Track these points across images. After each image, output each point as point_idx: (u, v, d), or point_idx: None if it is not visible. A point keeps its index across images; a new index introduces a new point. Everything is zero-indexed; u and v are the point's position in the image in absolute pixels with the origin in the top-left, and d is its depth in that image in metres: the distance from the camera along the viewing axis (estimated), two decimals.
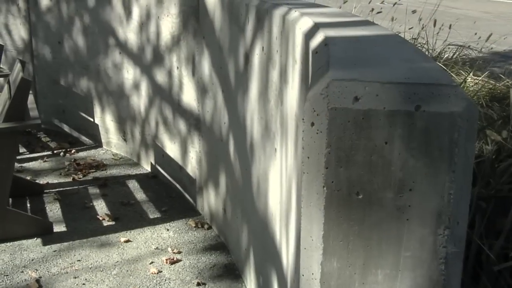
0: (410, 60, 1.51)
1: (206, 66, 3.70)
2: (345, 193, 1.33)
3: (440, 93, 1.29)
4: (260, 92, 2.83)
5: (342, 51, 1.61)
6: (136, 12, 4.54)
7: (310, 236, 1.37)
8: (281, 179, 2.50)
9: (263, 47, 2.78)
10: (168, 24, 4.15)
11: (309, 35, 2.01)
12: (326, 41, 1.75)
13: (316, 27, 2.06)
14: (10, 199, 4.19)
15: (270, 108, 2.70)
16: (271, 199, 2.71)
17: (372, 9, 6.30)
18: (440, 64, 5.58)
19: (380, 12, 6.16)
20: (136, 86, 4.71)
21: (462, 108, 1.29)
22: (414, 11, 6.65)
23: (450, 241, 1.34)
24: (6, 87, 4.15)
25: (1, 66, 5.09)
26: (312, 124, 1.33)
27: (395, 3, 6.61)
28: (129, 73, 4.75)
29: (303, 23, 2.22)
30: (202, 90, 3.80)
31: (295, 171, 2.18)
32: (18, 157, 5.04)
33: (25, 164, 4.95)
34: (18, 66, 4.04)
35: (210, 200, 3.89)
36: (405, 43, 1.77)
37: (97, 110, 5.25)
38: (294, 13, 2.43)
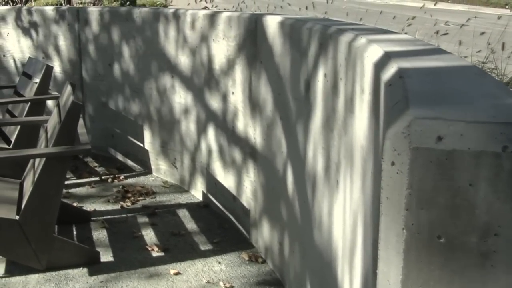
0: (492, 95, 1.52)
1: (263, 92, 3.74)
2: (426, 237, 1.34)
3: None
4: (322, 121, 2.85)
5: (418, 85, 1.62)
6: (190, 34, 4.62)
7: (387, 280, 1.38)
8: (345, 214, 2.51)
9: (325, 74, 2.80)
10: (223, 47, 4.21)
11: (380, 65, 2.02)
12: (400, 73, 1.76)
13: (387, 57, 2.07)
14: (56, 226, 4.28)
15: (332, 138, 2.71)
16: (332, 234, 2.71)
17: (437, 32, 6.28)
18: None
19: (446, 34, 6.14)
20: (188, 110, 4.77)
21: None
22: (482, 33, 6.60)
23: None
24: (55, 110, 4.25)
25: (50, 88, 5.22)
26: (393, 163, 1.34)
27: (462, 25, 6.57)
28: (181, 97, 4.82)
29: (372, 52, 2.24)
30: (258, 117, 3.84)
31: (361, 206, 2.18)
32: (65, 183, 5.15)
33: (72, 190, 5.05)
34: (68, 88, 4.14)
35: (265, 233, 3.90)
36: (485, 76, 1.77)
37: (147, 135, 5.34)
38: (361, 40, 2.45)
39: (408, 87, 1.57)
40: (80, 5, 15.71)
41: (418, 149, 1.31)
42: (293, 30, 3.27)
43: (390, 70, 1.87)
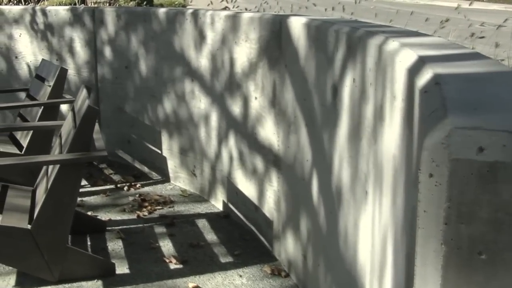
0: None
1: (288, 97, 3.74)
2: (466, 252, 1.33)
3: None
4: (350, 128, 2.84)
5: (456, 92, 1.61)
6: (210, 36, 4.63)
7: None
8: (373, 226, 2.49)
9: (354, 79, 2.80)
10: (246, 50, 4.22)
11: (414, 70, 2.01)
12: (437, 79, 1.75)
13: (421, 61, 2.06)
14: (70, 236, 4.30)
15: (361, 146, 2.70)
16: (360, 248, 2.70)
17: (473, 34, 6.24)
18: None
19: (483, 37, 6.10)
20: (209, 116, 4.78)
21: None
22: None
23: None
24: (70, 115, 4.28)
25: (64, 91, 5.26)
26: (431, 175, 1.33)
27: (499, 25, 6.53)
28: (201, 102, 4.84)
29: (404, 56, 2.23)
30: (282, 123, 3.84)
31: (392, 219, 2.17)
32: (79, 191, 5.18)
33: (86, 198, 5.08)
34: (83, 92, 4.16)
35: (289, 245, 3.90)
36: None
37: (165, 141, 5.36)
38: (393, 43, 2.44)
39: (445, 94, 1.56)
40: (95, 5, 15.82)
41: (458, 161, 1.30)
42: (319, 32, 3.27)
43: (425, 76, 1.86)
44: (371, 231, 2.52)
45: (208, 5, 9.54)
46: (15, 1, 14.00)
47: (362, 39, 2.72)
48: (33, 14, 6.26)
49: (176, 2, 19.08)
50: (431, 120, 1.46)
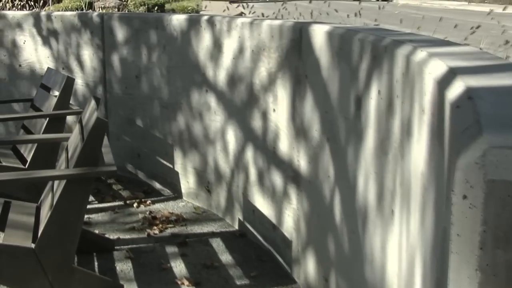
0: None
1: (308, 110, 3.74)
2: (503, 279, 1.33)
3: None
4: (375, 143, 2.84)
5: (491, 107, 1.61)
6: (227, 44, 4.65)
7: None
8: (401, 248, 2.48)
9: (379, 91, 2.80)
10: (264, 59, 4.23)
11: (444, 83, 2.01)
12: (470, 93, 1.74)
13: (451, 73, 2.06)
14: (76, 256, 4.31)
15: (387, 162, 2.70)
16: (386, 271, 2.69)
17: (507, 41, 6.20)
18: None
19: None
20: (225, 129, 4.79)
21: None
22: None
23: None
24: (77, 127, 4.29)
25: (71, 102, 5.28)
26: (465, 197, 1.33)
27: None
28: (217, 114, 4.85)
29: (434, 67, 2.23)
30: (302, 138, 3.84)
31: (420, 241, 2.16)
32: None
33: (93, 216, 5.09)
34: (92, 103, 4.17)
35: (309, 267, 3.89)
36: None
37: (177, 155, 5.37)
38: (421, 53, 2.44)
39: (479, 110, 1.56)
40: (103, 10, 15.89)
41: (494, 182, 1.30)
42: (342, 41, 3.28)
43: (457, 90, 1.86)
44: (398, 253, 2.51)
45: (224, 11, 9.57)
46: (19, 6, 14.11)
47: (389, 48, 2.72)
48: (38, 20, 6.30)
49: (189, 8, 19.16)
50: (464, 137, 1.46)
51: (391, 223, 2.61)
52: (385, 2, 12.19)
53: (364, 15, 9.24)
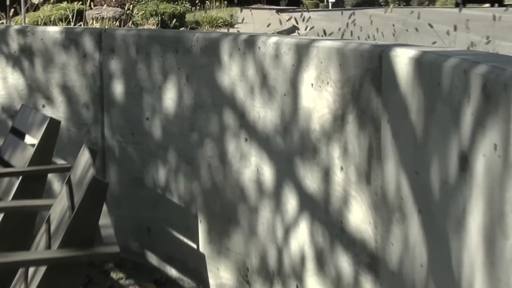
0: None
1: (391, 169, 3.74)
2: None
3: None
4: (488, 220, 2.83)
5: None
6: (275, 75, 4.65)
7: None
8: None
9: (495, 145, 2.77)
10: (327, 96, 4.24)
11: None
12: None
13: None
14: None
15: (505, 248, 2.68)
16: None
17: None
18: None
19: None
20: (270, 194, 4.80)
21: None
22: None
23: None
24: (64, 190, 4.28)
25: (54, 154, 5.29)
26: None
27: None
28: (259, 172, 4.86)
29: None
30: (382, 208, 3.84)
31: None
32: None
33: None
34: (85, 156, 4.18)
35: None
36: None
37: (203, 230, 5.38)
38: None
39: None
40: (98, 22, 16.01)
41: None
42: (438, 72, 3.26)
43: None
44: None
45: (268, 26, 9.56)
46: None
47: (509, 85, 2.69)
48: (7, 36, 6.33)
49: (220, 20, 19.26)
50: None
51: None
52: (504, 8, 11.21)
53: (472, 28, 9.17)
